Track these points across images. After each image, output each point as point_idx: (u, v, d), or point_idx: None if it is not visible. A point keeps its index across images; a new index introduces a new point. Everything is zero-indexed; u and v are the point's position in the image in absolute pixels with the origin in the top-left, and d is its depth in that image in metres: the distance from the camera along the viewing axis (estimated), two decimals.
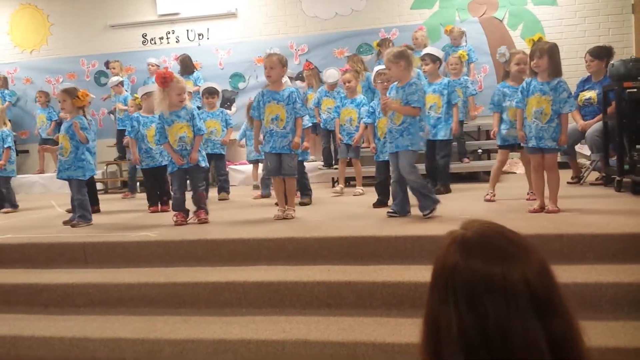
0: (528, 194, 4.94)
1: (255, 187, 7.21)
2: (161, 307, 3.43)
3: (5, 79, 9.68)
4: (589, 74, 6.02)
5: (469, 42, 7.87)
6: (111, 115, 9.04)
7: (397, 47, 4.53)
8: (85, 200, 5.02)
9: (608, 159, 5.47)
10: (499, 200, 4.91)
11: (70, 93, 5.00)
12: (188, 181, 4.91)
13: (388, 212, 4.42)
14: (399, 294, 3.11)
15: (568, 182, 5.94)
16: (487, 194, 4.98)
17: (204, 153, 4.95)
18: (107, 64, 9.22)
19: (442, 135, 5.78)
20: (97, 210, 5.82)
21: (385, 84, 5.12)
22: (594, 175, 5.93)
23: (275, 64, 4.61)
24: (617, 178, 5.02)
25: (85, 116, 5.07)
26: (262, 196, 6.36)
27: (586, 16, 8.08)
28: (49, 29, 9.89)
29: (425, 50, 6.02)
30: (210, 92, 6.72)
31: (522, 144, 4.46)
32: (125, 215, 5.42)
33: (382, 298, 3.13)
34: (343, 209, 4.96)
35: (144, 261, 3.90)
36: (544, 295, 0.99)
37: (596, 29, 8.03)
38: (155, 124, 4.98)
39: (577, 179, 5.96)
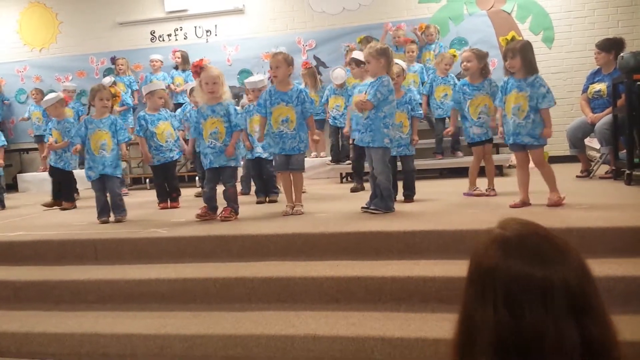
0: (487, 190, 5.06)
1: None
2: (171, 302, 3.46)
3: None
4: (598, 67, 5.97)
5: (478, 35, 7.85)
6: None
7: (381, 44, 4.52)
8: (121, 193, 5.19)
9: (618, 152, 5.44)
10: (502, 196, 4.89)
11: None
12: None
13: (363, 207, 4.46)
14: (408, 289, 3.11)
15: (577, 176, 5.92)
16: (474, 190, 5.07)
17: (240, 151, 4.98)
18: (113, 60, 9.23)
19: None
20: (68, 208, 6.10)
21: (394, 78, 5.09)
22: (603, 169, 5.89)
23: (281, 63, 4.59)
24: (627, 171, 4.99)
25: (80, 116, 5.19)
26: (242, 194, 6.36)
27: (595, 8, 8.01)
28: (58, 27, 9.94)
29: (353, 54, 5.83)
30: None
31: (504, 142, 4.50)
32: (134, 212, 5.45)
33: (391, 293, 3.14)
34: (351, 205, 4.96)
35: (154, 257, 3.93)
36: (582, 298, 0.98)
37: (605, 21, 7.96)
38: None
39: (587, 173, 5.92)
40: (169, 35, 9.49)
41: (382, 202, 4.36)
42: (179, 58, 8.83)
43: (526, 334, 0.95)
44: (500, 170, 6.87)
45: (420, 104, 5.73)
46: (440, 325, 2.80)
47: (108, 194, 5.03)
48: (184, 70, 8.72)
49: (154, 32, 9.53)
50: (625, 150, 5.07)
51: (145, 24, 9.53)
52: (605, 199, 4.32)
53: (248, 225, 4.20)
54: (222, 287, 3.42)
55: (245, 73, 9.17)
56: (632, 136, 4.93)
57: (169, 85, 8.47)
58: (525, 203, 4.21)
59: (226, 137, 4.67)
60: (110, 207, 5.00)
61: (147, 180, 8.20)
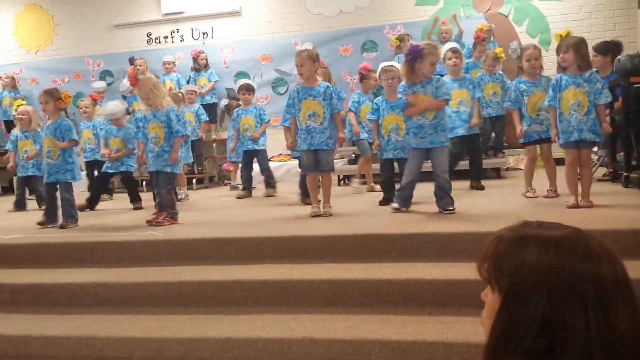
0: (547, 191, 4.83)
1: (234, 187, 7.38)
2: (168, 306, 3.44)
3: (13, 79, 9.63)
4: (595, 69, 5.99)
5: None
6: None
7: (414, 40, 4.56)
8: (73, 200, 5.02)
9: (615, 155, 5.45)
10: (508, 197, 4.89)
11: (53, 95, 4.98)
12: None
13: (395, 208, 4.43)
14: (405, 291, 3.11)
15: (598, 180, 5.90)
16: (528, 191, 4.91)
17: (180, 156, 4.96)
18: (131, 60, 9.04)
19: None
20: (140, 207, 6.10)
21: (390, 81, 5.11)
22: (601, 171, 5.90)
23: (305, 60, 4.56)
24: (625, 174, 5.00)
25: (67, 117, 5.12)
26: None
27: (592, 11, 8.04)
28: (54, 29, 9.93)
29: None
30: (248, 89, 6.80)
31: (555, 141, 4.39)
32: (131, 215, 5.43)
33: (389, 296, 3.13)
34: (348, 207, 4.96)
35: (151, 260, 3.91)
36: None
37: (602, 24, 7.99)
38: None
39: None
40: (166, 37, 9.49)
41: (452, 200, 4.29)
42: (203, 60, 8.83)
43: (617, 334, 0.95)
44: (497, 173, 6.88)
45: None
46: (437, 328, 2.80)
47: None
48: (206, 71, 8.78)
49: (150, 35, 9.53)
50: (622, 153, 5.07)
51: (141, 26, 9.53)
52: (604, 202, 4.32)
53: (245, 228, 4.19)
54: (219, 290, 3.41)
55: (242, 75, 9.18)
56: (629, 139, 4.94)
57: (176, 89, 8.41)
58: (577, 203, 4.14)
59: (164, 142, 4.74)
60: (61, 212, 4.98)
61: (144, 182, 8.16)
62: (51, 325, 3.35)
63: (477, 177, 5.83)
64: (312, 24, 8.95)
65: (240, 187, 6.82)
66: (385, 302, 3.13)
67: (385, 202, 5.05)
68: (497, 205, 4.60)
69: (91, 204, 6.26)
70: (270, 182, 6.61)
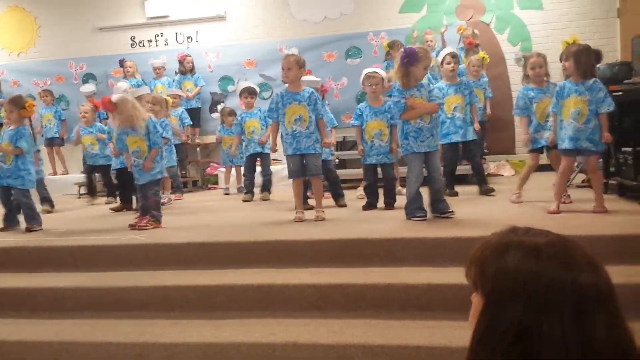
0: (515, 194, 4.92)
1: (226, 191, 7.49)
2: (151, 310, 3.42)
3: None
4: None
5: (458, 45, 7.91)
6: None
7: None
8: (32, 203, 5.08)
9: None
10: (491, 203, 4.94)
11: (18, 104, 5.03)
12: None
13: (418, 216, 4.23)
14: (388, 296, 3.13)
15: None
16: (514, 195, 4.94)
17: (160, 164, 4.93)
18: (121, 62, 8.92)
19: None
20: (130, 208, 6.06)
21: (374, 87, 5.14)
22: (580, 178, 5.98)
23: (293, 65, 4.58)
24: (604, 180, 5.07)
25: (32, 126, 5.16)
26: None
27: (572, 20, 8.15)
28: (37, 32, 9.83)
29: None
30: (250, 92, 6.81)
31: (552, 146, 4.45)
32: (114, 218, 5.39)
33: (372, 300, 3.14)
34: (333, 212, 4.97)
35: (134, 264, 3.89)
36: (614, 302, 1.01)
37: (582, 33, 8.06)
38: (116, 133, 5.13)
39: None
40: (150, 41, 9.45)
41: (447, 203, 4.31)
42: (190, 63, 8.80)
43: (595, 345, 0.96)
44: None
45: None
46: (421, 332, 2.82)
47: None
48: (192, 75, 8.77)
49: (134, 38, 9.48)
50: (601, 160, 5.14)
51: (125, 30, 9.47)
52: (584, 207, 4.37)
53: (229, 233, 4.19)
54: (203, 295, 3.40)
55: (226, 80, 9.17)
56: (608, 146, 5.01)
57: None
58: (558, 210, 4.18)
59: (148, 154, 4.78)
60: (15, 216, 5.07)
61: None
62: (31, 330, 3.32)
63: (482, 181, 5.77)
64: (296, 29, 8.96)
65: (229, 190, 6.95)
66: (369, 306, 3.14)
67: (368, 207, 5.07)
68: (480, 210, 4.64)
69: (125, 204, 6.21)
70: (268, 185, 6.62)
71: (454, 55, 5.77)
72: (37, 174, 6.20)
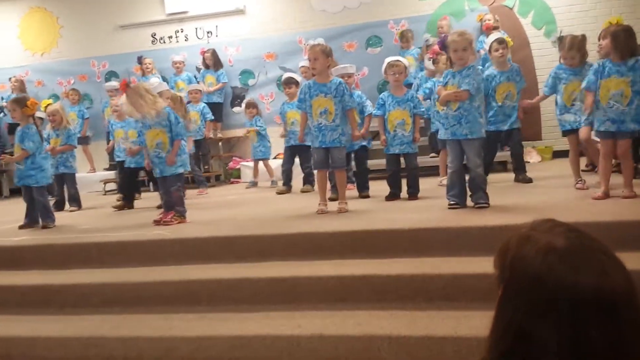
0: (577, 182, 4.76)
1: (253, 184, 7.52)
2: (177, 305, 3.44)
3: (22, 82, 9.50)
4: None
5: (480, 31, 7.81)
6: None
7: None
8: (47, 201, 5.22)
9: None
10: (515, 190, 4.85)
11: (20, 103, 5.11)
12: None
13: (450, 204, 4.20)
14: (413, 286, 3.09)
15: (582, 170, 5.86)
16: (577, 183, 4.78)
17: (182, 158, 4.88)
18: (139, 59, 9.02)
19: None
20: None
21: (397, 76, 5.08)
22: (583, 162, 5.82)
23: (319, 55, 4.50)
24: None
25: (35, 124, 5.20)
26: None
27: (597, 1, 7.96)
28: (59, 32, 9.95)
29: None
30: (288, 82, 6.75)
31: (596, 129, 4.26)
32: (139, 214, 5.44)
33: (397, 291, 3.12)
34: (356, 203, 4.94)
35: (159, 260, 3.91)
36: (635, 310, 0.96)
37: (607, 15, 7.88)
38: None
39: (592, 166, 5.86)
40: (170, 37, 9.49)
41: (485, 195, 4.16)
42: (209, 60, 8.81)
43: (592, 354, 0.92)
44: (504, 167, 6.84)
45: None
46: (446, 323, 2.78)
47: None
48: (215, 70, 8.78)
49: (154, 35, 9.53)
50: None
51: (146, 27, 9.53)
52: (611, 192, 4.26)
53: (252, 226, 4.19)
54: (227, 289, 3.41)
55: (247, 73, 9.17)
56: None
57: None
58: (607, 195, 4.04)
59: (170, 147, 4.74)
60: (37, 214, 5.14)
61: (150, 182, 8.16)
62: (59, 327, 3.37)
63: (521, 169, 5.62)
64: (316, 20, 8.91)
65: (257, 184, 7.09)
66: (394, 297, 3.11)
67: (391, 197, 5.03)
68: (509, 199, 4.56)
69: (127, 202, 6.19)
70: (309, 178, 6.50)
71: (500, 42, 5.58)
72: (70, 169, 6.32)
